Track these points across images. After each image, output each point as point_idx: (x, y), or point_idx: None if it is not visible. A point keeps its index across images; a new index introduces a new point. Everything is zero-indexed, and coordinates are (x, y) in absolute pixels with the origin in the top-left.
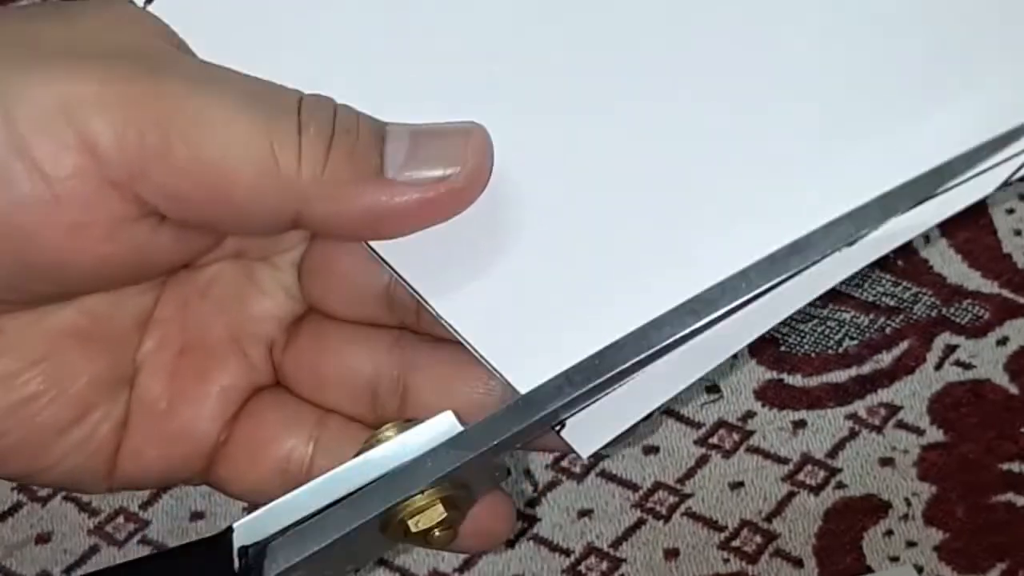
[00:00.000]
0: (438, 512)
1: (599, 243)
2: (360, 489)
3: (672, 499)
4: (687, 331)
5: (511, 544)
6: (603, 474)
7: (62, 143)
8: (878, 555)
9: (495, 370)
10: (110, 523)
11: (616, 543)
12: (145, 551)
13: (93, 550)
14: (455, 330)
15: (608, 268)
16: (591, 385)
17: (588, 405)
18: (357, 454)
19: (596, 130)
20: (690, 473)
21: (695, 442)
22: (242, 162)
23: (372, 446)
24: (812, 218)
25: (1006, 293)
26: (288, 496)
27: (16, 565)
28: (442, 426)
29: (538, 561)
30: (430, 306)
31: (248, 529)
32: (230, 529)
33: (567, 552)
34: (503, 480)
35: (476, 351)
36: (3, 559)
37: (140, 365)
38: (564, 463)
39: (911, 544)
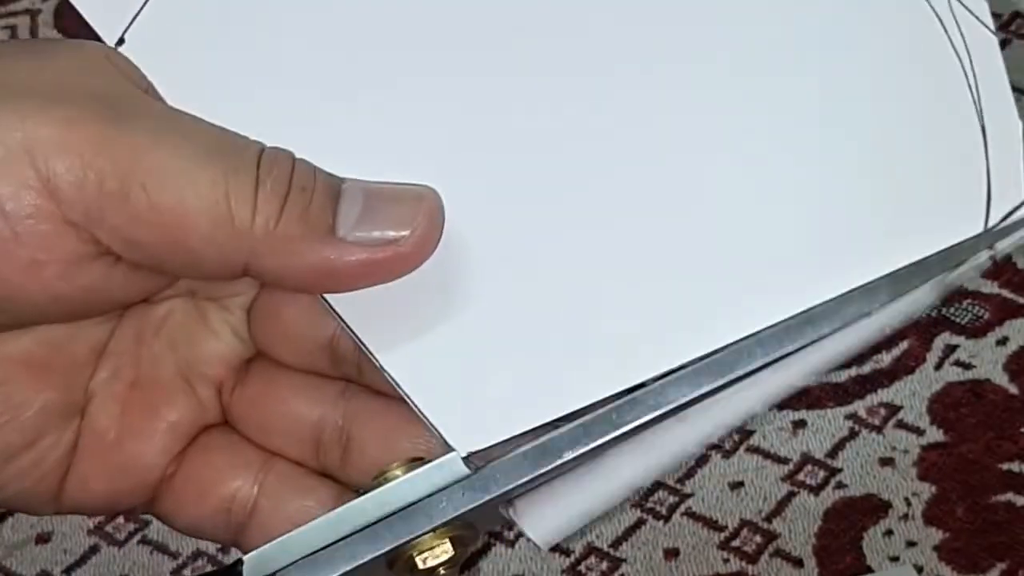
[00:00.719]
0: (446, 550)
1: (558, 309)
2: (372, 524)
3: (672, 499)
4: (701, 392)
5: (511, 544)
6: None
7: (23, 183)
8: (878, 555)
9: (435, 429)
10: (110, 523)
11: (616, 543)
12: (145, 551)
13: (93, 550)
14: (397, 384)
15: (566, 336)
16: (607, 438)
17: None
18: (363, 492)
19: (560, 193)
20: (690, 473)
21: None
22: (198, 212)
23: (379, 484)
24: (796, 301)
25: (1006, 293)
26: (299, 529)
27: (16, 565)
28: (450, 467)
29: (538, 561)
30: (375, 358)
31: (258, 562)
32: (239, 562)
33: (567, 552)
34: (503, 521)
35: (418, 409)
36: (3, 559)
37: (92, 395)
38: None
39: (911, 544)
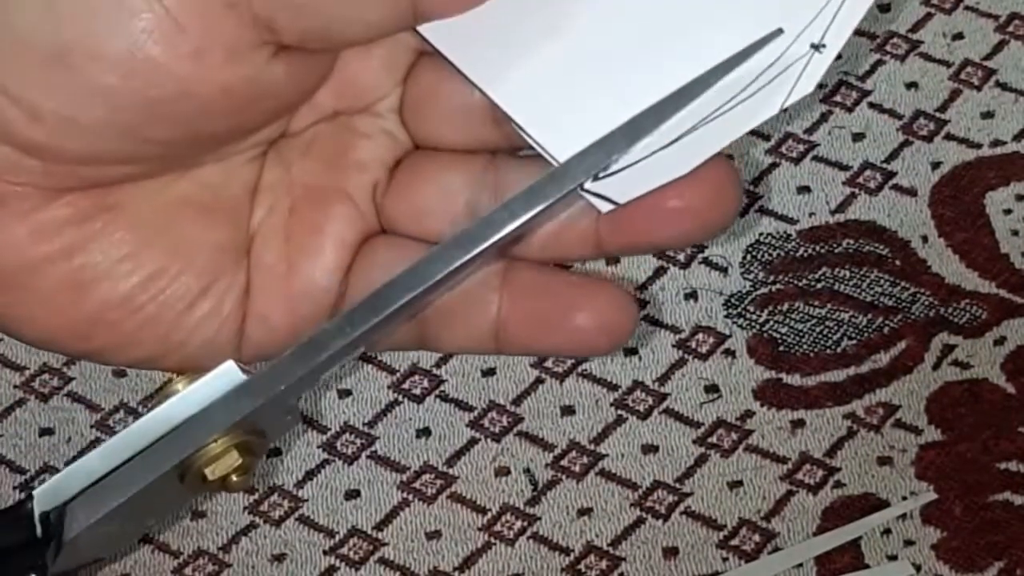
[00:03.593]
0: (233, 459)
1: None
2: (154, 443)
3: (671, 498)
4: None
5: (511, 543)
6: (602, 473)
7: None
8: (876, 554)
9: (542, 148)
10: None
11: (615, 542)
12: (147, 550)
13: None
14: (502, 110)
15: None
16: (369, 324)
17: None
18: (147, 410)
19: None
20: (689, 472)
21: (694, 441)
22: None
23: (161, 401)
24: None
25: (1003, 293)
26: (86, 457)
27: None
28: (226, 375)
29: (538, 560)
30: (481, 90)
31: (48, 494)
32: (30, 497)
33: (566, 551)
34: (296, 424)
35: (522, 130)
36: None
37: (255, 233)
38: (564, 462)
39: (909, 543)
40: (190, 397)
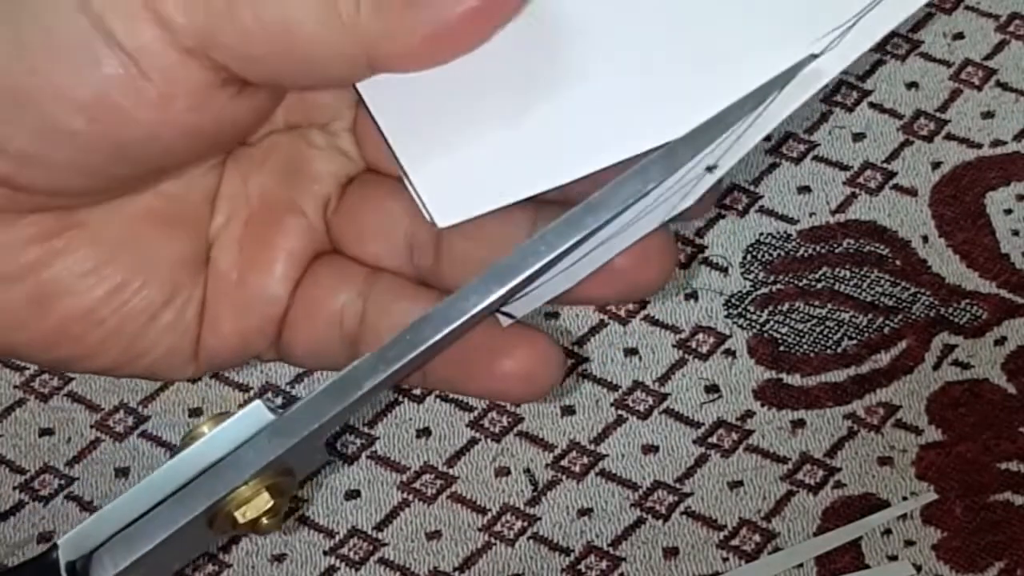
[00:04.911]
0: (264, 501)
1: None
2: (183, 487)
3: (671, 498)
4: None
5: (511, 543)
6: (603, 473)
7: (135, 16)
8: (876, 554)
9: (419, 199)
10: None
11: (615, 542)
12: None
13: None
14: (393, 152)
15: (558, 117)
16: (402, 362)
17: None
18: (174, 454)
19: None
20: (689, 472)
21: (694, 441)
22: (303, 16)
23: (187, 444)
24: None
25: (1004, 293)
26: (111, 504)
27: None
28: (254, 416)
29: (538, 560)
30: (376, 121)
31: (74, 543)
32: (54, 546)
33: (567, 551)
34: (324, 461)
35: (407, 179)
36: (5, 558)
37: (212, 241)
38: (564, 462)
39: (909, 543)
40: (217, 439)
